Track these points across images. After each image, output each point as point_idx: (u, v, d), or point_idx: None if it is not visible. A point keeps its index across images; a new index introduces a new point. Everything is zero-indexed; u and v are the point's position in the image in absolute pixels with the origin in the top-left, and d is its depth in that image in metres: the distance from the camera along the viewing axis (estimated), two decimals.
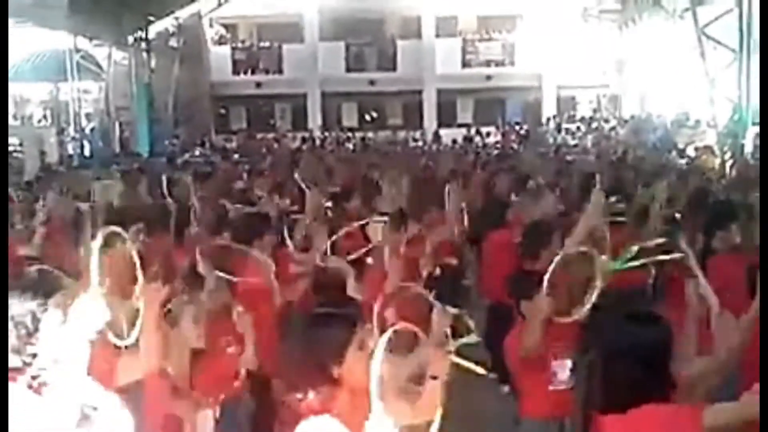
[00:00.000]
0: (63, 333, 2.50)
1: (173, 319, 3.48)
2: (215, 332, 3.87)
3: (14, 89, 25.88)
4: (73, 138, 22.27)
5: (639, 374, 2.49)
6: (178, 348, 3.46)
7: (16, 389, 2.40)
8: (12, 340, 2.44)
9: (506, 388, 6.48)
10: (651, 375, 2.49)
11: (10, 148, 18.03)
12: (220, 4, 26.81)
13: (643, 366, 2.49)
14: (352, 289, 4.34)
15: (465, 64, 29.88)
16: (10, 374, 2.42)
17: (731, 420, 2.41)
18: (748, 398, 2.41)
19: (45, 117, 27.66)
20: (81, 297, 2.56)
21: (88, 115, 25.49)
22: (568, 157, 16.95)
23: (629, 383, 2.49)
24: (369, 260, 4.97)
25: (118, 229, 2.97)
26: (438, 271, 6.92)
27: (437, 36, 29.78)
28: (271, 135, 28.61)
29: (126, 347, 2.93)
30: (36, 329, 2.46)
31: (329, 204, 7.84)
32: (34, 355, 2.45)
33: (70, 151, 21.37)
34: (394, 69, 29.77)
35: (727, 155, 14.90)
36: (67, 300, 2.56)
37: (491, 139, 26.99)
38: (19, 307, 2.46)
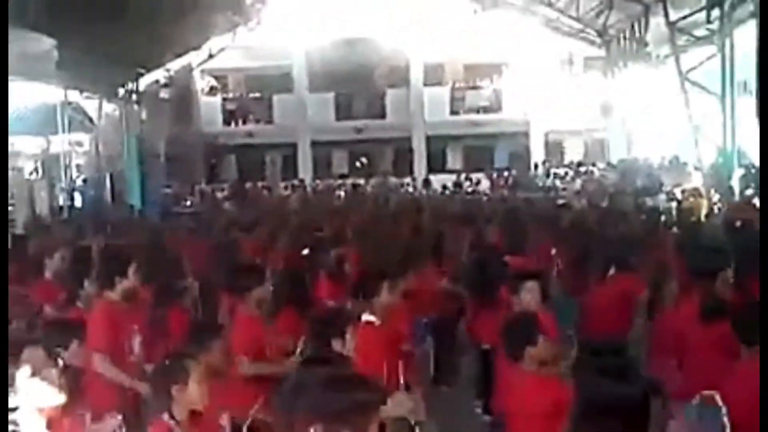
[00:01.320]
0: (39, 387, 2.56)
1: (177, 375, 3.50)
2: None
3: None
4: (64, 190, 22.25)
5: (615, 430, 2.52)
6: (181, 407, 3.47)
7: None
8: None
9: None
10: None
11: None
12: (210, 56, 27.07)
13: (618, 422, 2.52)
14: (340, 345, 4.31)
15: (453, 111, 30.25)
16: None
17: None
18: None
19: (36, 170, 27.64)
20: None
21: (79, 167, 25.53)
22: (560, 201, 17.10)
23: None
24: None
25: None
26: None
27: (425, 84, 30.15)
28: (261, 184, 28.68)
29: None
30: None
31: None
32: (14, 409, 2.49)
33: (62, 203, 21.33)
34: (383, 117, 30.09)
35: (715, 197, 15.05)
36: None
37: (482, 185, 27.13)
38: None
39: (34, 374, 2.60)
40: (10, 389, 2.54)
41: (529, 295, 5.41)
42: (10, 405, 2.52)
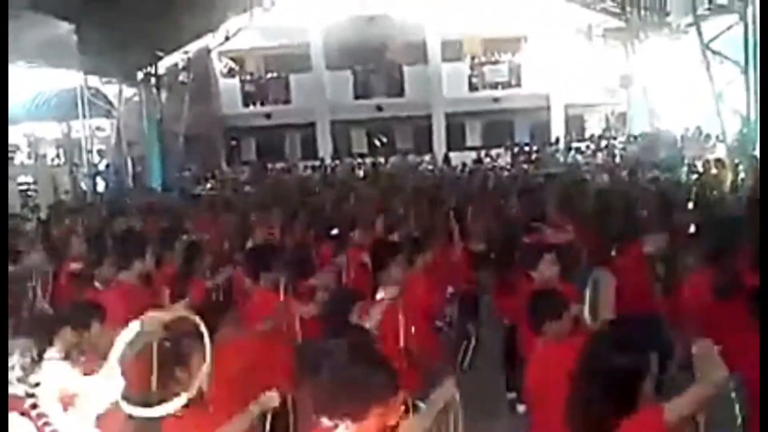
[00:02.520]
0: (67, 370, 2.58)
1: (178, 356, 3.51)
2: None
3: (27, 129, 26.19)
4: (86, 175, 22.45)
5: (607, 395, 2.55)
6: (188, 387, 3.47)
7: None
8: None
9: (522, 408, 6.48)
10: (619, 396, 2.55)
11: (24, 187, 18.23)
12: (227, 38, 27.09)
13: (609, 387, 2.55)
14: (357, 317, 4.31)
15: (472, 87, 30.03)
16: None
17: (689, 411, 2.58)
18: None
19: (58, 155, 27.91)
20: (96, 375, 2.61)
21: (100, 152, 25.72)
22: (580, 176, 16.98)
23: (600, 403, 2.56)
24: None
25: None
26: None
27: (443, 60, 29.93)
28: (281, 165, 28.74)
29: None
30: (40, 360, 2.55)
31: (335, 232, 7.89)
32: (37, 384, 2.53)
33: (84, 188, 21.53)
34: (402, 94, 29.94)
35: (740, 168, 14.86)
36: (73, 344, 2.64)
37: (501, 161, 27.01)
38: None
39: (63, 357, 2.63)
40: (36, 366, 2.57)
41: (548, 269, 5.39)
42: (33, 380, 2.55)
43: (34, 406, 2.53)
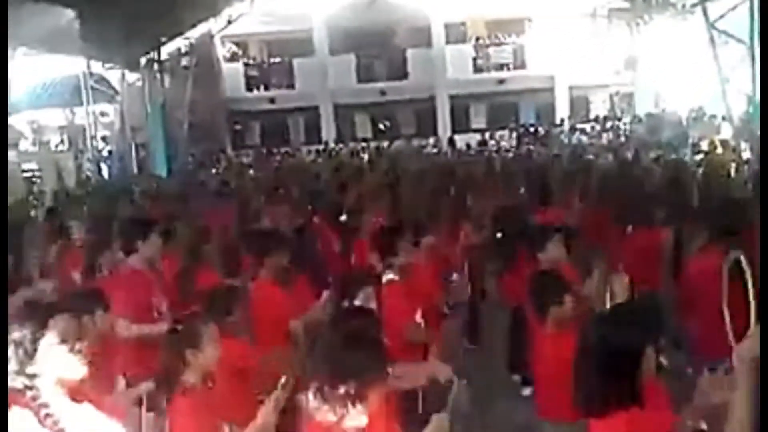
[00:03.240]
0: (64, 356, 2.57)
1: (189, 339, 3.52)
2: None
3: (31, 116, 26.17)
4: (91, 160, 22.46)
5: (608, 378, 2.55)
6: (198, 369, 3.50)
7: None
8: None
9: (527, 391, 6.50)
10: (619, 379, 2.55)
11: (29, 174, 18.24)
12: (229, 22, 26.96)
13: (609, 368, 2.55)
14: (367, 300, 4.31)
15: (476, 69, 29.93)
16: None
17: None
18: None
19: (62, 142, 27.93)
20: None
21: (104, 138, 25.72)
22: (588, 156, 16.94)
23: (599, 386, 2.56)
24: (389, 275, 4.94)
25: None
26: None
27: (447, 42, 29.81)
28: (285, 149, 28.73)
29: None
30: (35, 350, 2.54)
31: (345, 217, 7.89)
32: (35, 376, 2.52)
33: (88, 174, 21.56)
34: (405, 78, 29.83)
35: (745, 147, 14.80)
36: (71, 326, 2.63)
37: (505, 143, 26.94)
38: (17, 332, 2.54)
39: (60, 343, 2.61)
40: (32, 358, 2.56)
41: (554, 250, 5.38)
42: (31, 372, 2.54)
43: (34, 398, 2.52)
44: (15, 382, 2.52)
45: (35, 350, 2.55)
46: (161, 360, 3.48)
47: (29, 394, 2.52)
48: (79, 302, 4.12)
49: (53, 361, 2.58)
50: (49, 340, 2.59)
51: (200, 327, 3.55)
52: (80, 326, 2.90)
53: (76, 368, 2.66)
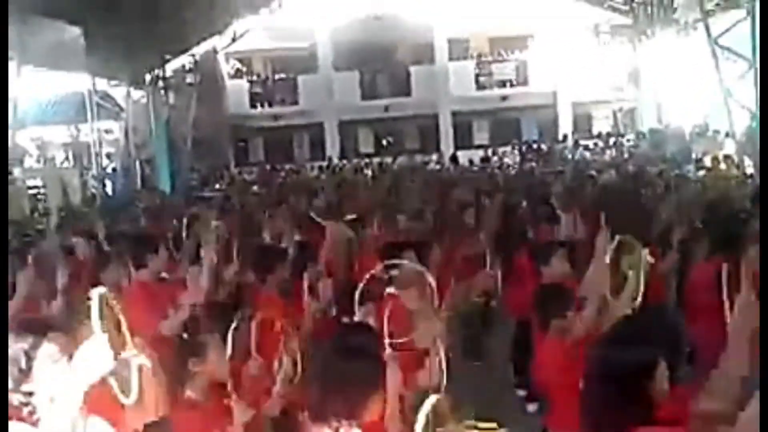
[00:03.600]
0: (62, 372, 2.55)
1: (193, 349, 3.51)
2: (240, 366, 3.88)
3: (36, 133, 26.28)
4: (95, 177, 22.52)
5: (618, 395, 2.52)
6: (202, 379, 3.50)
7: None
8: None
9: (533, 407, 6.48)
10: (630, 397, 2.52)
11: (34, 191, 18.29)
12: (234, 39, 27.12)
13: (621, 387, 2.52)
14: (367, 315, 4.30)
15: (479, 85, 30.04)
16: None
17: None
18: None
19: (67, 158, 28.00)
20: (87, 342, 2.56)
21: (109, 155, 25.80)
22: (591, 172, 16.92)
23: (608, 404, 2.53)
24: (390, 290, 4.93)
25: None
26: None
27: (450, 59, 29.94)
28: (289, 166, 28.79)
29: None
30: (29, 368, 2.53)
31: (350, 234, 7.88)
32: (30, 393, 2.51)
33: (93, 191, 21.61)
34: (409, 94, 29.95)
35: (749, 163, 14.81)
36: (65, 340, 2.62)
37: (508, 159, 26.97)
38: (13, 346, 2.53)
39: (55, 361, 2.59)
40: (27, 376, 2.55)
41: (558, 265, 5.38)
42: (26, 390, 2.52)
43: (31, 413, 2.51)
44: (11, 398, 2.51)
45: (29, 370, 2.54)
46: (165, 369, 3.48)
47: (25, 410, 2.51)
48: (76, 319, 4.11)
49: (48, 380, 2.56)
50: (44, 359, 2.57)
51: (206, 337, 3.56)
52: (75, 343, 2.88)
53: (72, 387, 2.62)
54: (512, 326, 7.22)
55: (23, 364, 2.52)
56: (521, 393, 7.11)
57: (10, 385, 2.50)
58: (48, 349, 2.58)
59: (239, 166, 29.79)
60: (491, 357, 7.75)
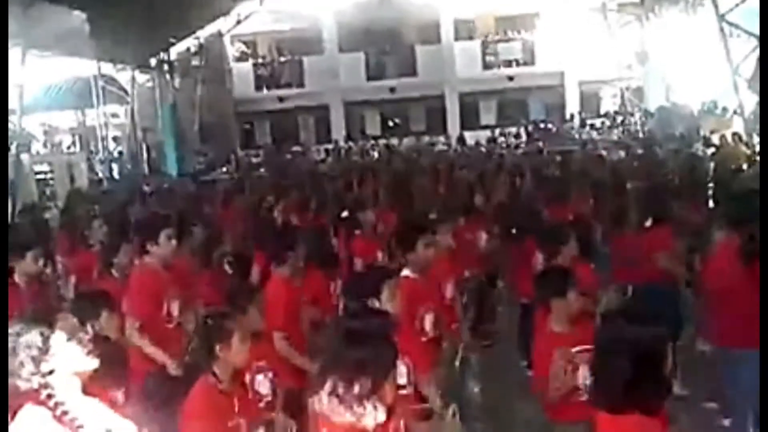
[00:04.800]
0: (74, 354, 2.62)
1: (220, 334, 3.55)
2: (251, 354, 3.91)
3: (43, 118, 26.31)
4: (102, 161, 22.57)
5: (631, 374, 2.53)
6: (225, 366, 3.56)
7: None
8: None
9: None
10: (643, 376, 2.53)
11: (41, 176, 18.33)
12: (239, 22, 27.04)
13: (635, 367, 2.53)
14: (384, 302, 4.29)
15: (485, 65, 29.85)
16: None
17: None
18: None
19: (74, 143, 28.06)
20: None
21: (115, 139, 25.83)
22: (596, 152, 16.89)
23: (623, 383, 2.54)
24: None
25: None
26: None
27: (456, 39, 29.78)
28: (295, 148, 28.76)
29: None
30: (47, 350, 2.58)
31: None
32: (50, 372, 2.55)
33: (100, 175, 21.66)
34: (415, 75, 29.80)
35: (757, 141, 14.71)
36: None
37: (515, 139, 26.89)
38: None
39: (69, 339, 2.65)
40: (46, 354, 2.59)
41: (568, 254, 5.35)
42: (46, 369, 2.57)
43: (50, 396, 2.55)
44: (31, 382, 2.55)
45: (48, 349, 2.59)
46: (190, 352, 3.53)
47: (44, 393, 2.55)
48: (84, 305, 4.14)
49: (66, 356, 2.62)
50: (60, 338, 2.63)
51: (228, 323, 3.63)
52: (82, 325, 2.94)
53: (88, 361, 2.70)
54: (519, 307, 7.25)
55: (41, 346, 2.57)
56: (531, 374, 7.13)
57: (32, 368, 2.54)
58: (60, 331, 2.64)
59: (245, 149, 29.77)
60: (501, 338, 7.80)
